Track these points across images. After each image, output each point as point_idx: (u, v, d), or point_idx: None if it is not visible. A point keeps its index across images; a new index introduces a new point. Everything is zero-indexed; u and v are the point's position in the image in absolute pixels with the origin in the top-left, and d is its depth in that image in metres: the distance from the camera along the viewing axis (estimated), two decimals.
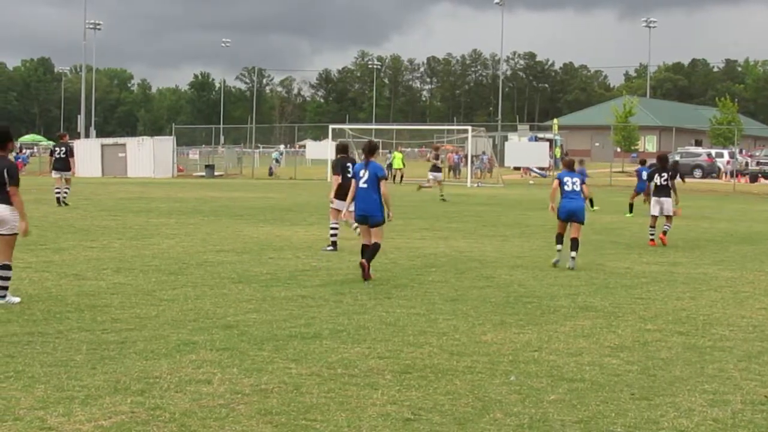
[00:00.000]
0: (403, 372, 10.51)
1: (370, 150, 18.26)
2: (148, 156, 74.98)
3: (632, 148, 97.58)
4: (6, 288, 14.06)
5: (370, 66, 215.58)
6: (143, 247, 22.12)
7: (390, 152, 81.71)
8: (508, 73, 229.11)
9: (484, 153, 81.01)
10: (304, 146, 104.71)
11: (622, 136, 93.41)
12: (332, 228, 22.87)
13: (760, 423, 9.01)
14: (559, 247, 20.97)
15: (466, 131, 74.90)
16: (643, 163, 40.30)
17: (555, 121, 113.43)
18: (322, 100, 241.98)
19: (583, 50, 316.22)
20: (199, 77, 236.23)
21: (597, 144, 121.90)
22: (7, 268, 14.04)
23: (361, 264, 17.55)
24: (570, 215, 20.99)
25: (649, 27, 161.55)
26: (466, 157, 73.58)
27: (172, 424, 8.38)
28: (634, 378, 10.59)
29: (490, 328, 13.13)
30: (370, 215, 17.91)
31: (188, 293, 15.54)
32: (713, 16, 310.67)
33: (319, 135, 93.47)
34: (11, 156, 14.83)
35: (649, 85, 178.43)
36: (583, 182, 21.27)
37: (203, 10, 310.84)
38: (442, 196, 46.68)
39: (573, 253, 20.45)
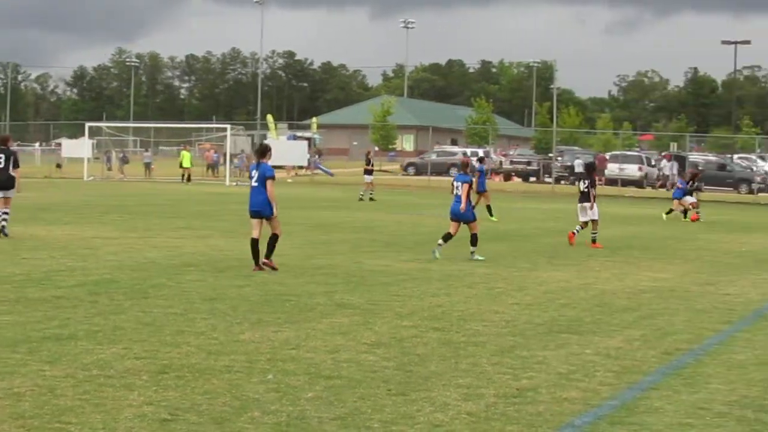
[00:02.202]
0: (161, 372, 10.37)
1: (262, 152, 19.83)
2: None
3: (390, 146, 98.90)
4: None
5: (128, 63, 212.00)
6: None
7: (147, 150, 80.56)
8: (268, 71, 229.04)
9: (242, 151, 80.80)
10: (60, 144, 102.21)
11: (380, 135, 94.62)
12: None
13: (513, 415, 9.23)
14: (440, 241, 22.93)
15: (225, 130, 74.46)
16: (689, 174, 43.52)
17: (314, 119, 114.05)
18: (77, 98, 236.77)
19: (342, 50, 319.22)
20: None
21: (355, 143, 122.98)
22: None
23: (265, 264, 19.24)
24: (455, 216, 23.01)
25: (407, 27, 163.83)
26: (225, 155, 73.18)
27: None
28: (391, 374, 10.71)
29: (248, 327, 13.08)
30: (261, 210, 19.39)
31: None
32: (465, 17, 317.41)
33: (76, 133, 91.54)
34: None
35: (406, 85, 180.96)
36: (467, 183, 23.01)
37: None
38: (371, 197, 48.33)
39: (472, 248, 22.83)
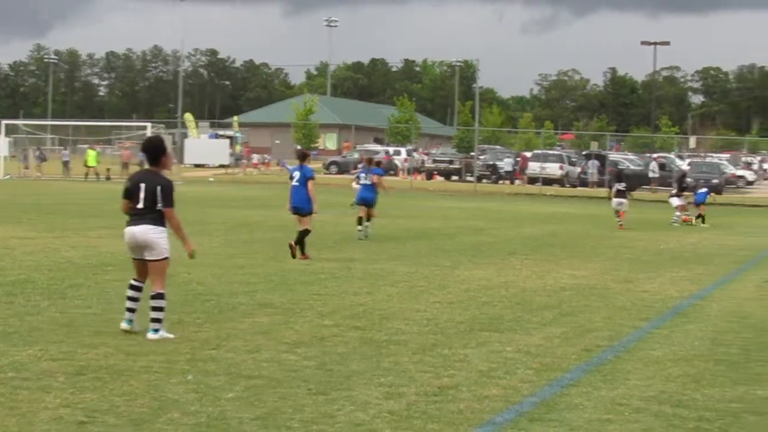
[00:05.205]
0: (78, 374, 10.25)
1: (302, 156, 22.83)
2: None
3: (312, 145, 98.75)
4: (159, 320, 12.46)
5: (45, 60, 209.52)
6: None
7: (65, 148, 79.63)
8: (190, 69, 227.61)
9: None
10: None
11: (303, 134, 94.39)
12: None
13: (434, 413, 9.23)
14: (359, 227, 27.45)
15: (145, 128, 73.86)
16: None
17: (235, 118, 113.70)
18: None
19: (263, 48, 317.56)
20: None
21: (278, 141, 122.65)
22: (160, 297, 12.49)
23: (290, 245, 21.76)
24: (363, 202, 27.83)
25: (330, 26, 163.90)
26: None
27: None
28: (312, 373, 10.67)
29: (168, 327, 12.90)
30: (301, 207, 22.06)
31: None
32: (386, 16, 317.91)
33: None
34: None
35: (329, 84, 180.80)
36: (378, 174, 28.69)
37: None
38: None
39: (367, 224, 27.63)
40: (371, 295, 16.71)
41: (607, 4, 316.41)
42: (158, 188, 12.44)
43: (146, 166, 12.92)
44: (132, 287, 12.67)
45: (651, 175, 73.48)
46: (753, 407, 10.00)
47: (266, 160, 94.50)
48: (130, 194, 12.60)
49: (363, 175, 28.70)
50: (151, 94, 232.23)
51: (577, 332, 13.90)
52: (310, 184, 22.04)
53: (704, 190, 41.20)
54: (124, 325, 12.47)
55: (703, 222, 39.33)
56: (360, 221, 27.67)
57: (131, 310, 12.53)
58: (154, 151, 12.83)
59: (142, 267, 12.64)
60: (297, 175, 22.29)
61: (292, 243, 21.84)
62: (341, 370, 10.85)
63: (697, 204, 40.30)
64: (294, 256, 21.58)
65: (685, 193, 40.96)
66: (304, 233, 21.99)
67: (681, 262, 24.51)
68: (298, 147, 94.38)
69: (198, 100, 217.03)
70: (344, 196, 42.12)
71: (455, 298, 16.74)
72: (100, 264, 19.52)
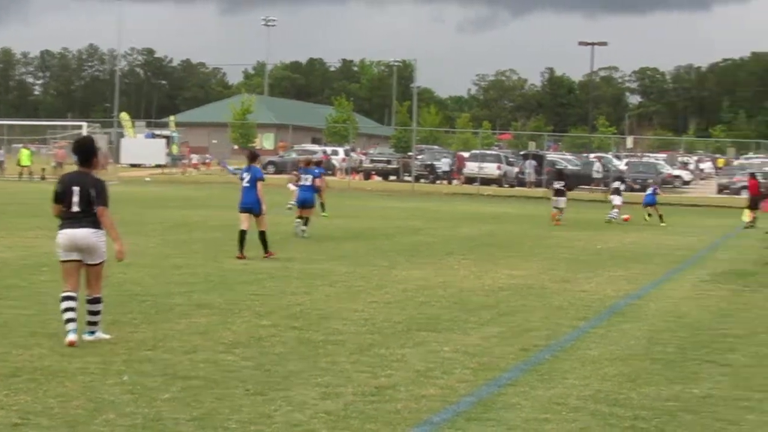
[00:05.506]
0: (12, 375, 10.14)
1: (252, 157, 23.37)
2: None
3: (249, 145, 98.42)
4: (96, 323, 12.29)
5: None
6: None
7: (0, 148, 78.74)
8: (126, 69, 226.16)
9: (99, 149, 79.48)
10: None
11: (240, 134, 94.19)
12: None
13: (371, 413, 9.22)
14: (298, 220, 28.28)
15: (80, 127, 73.22)
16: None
17: (172, 118, 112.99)
18: None
19: (200, 47, 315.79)
20: None
21: (215, 141, 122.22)
22: (98, 301, 12.27)
23: (267, 258, 22.00)
24: (302, 204, 28.64)
25: (268, 25, 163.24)
26: None
27: None
28: (249, 374, 10.63)
29: (103, 327, 12.79)
30: (251, 207, 22.39)
31: None
32: (323, 15, 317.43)
33: None
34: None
35: (267, 83, 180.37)
36: (316, 177, 29.99)
37: None
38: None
39: (304, 228, 27.95)
40: (309, 295, 16.67)
41: (544, 4, 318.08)
42: (91, 190, 12.20)
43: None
44: (67, 298, 12.11)
45: (595, 175, 74.08)
46: (689, 406, 10.07)
47: (207, 160, 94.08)
48: (62, 198, 12.35)
49: (303, 176, 29.58)
50: (87, 93, 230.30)
51: (514, 332, 13.95)
52: (259, 185, 22.45)
53: (650, 190, 41.49)
54: (71, 337, 11.85)
55: (662, 220, 39.73)
56: (300, 216, 28.48)
57: (72, 320, 11.98)
58: (86, 152, 12.62)
59: (75, 269, 12.35)
60: (247, 176, 22.66)
61: (267, 254, 22.19)
62: (279, 371, 10.82)
63: (646, 205, 40.86)
64: (271, 255, 22.21)
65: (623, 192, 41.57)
66: (262, 236, 22.35)
67: (619, 261, 24.67)
68: (235, 146, 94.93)
69: (134, 99, 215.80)
70: (282, 195, 42.08)
71: (393, 298, 16.73)
72: (35, 265, 19.31)
